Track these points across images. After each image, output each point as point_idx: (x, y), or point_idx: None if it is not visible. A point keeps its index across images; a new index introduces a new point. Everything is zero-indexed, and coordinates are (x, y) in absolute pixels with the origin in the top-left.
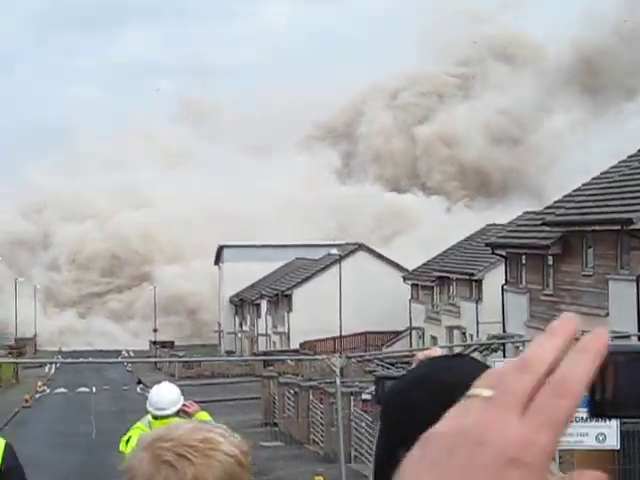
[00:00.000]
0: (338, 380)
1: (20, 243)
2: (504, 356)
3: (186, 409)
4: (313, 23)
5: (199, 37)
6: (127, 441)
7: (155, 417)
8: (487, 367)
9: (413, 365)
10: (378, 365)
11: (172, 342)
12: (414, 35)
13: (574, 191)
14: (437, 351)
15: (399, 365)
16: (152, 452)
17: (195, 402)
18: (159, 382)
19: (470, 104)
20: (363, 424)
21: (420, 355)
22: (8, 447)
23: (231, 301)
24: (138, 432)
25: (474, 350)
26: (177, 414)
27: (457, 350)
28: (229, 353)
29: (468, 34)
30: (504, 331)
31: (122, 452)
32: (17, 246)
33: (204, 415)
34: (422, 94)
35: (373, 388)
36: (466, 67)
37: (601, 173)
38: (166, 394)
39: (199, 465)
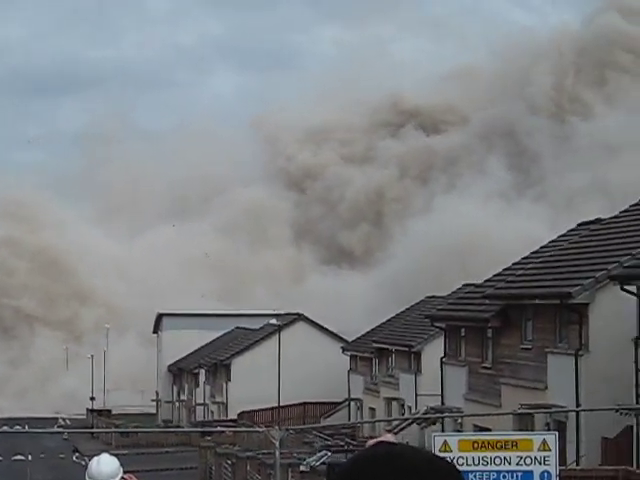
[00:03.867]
0: (277, 452)
1: None
2: (442, 429)
3: None
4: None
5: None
6: None
7: None
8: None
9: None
10: (316, 436)
11: (109, 410)
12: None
13: (514, 264)
14: (388, 437)
15: (337, 436)
16: None
17: (132, 472)
18: (97, 452)
19: None
20: None
21: (371, 442)
22: None
23: (169, 370)
24: None
25: (412, 422)
26: None
27: (395, 423)
28: (166, 422)
29: None
30: (443, 404)
31: None
32: None
33: None
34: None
35: (311, 459)
36: None
37: (540, 247)
38: (106, 467)
39: None
